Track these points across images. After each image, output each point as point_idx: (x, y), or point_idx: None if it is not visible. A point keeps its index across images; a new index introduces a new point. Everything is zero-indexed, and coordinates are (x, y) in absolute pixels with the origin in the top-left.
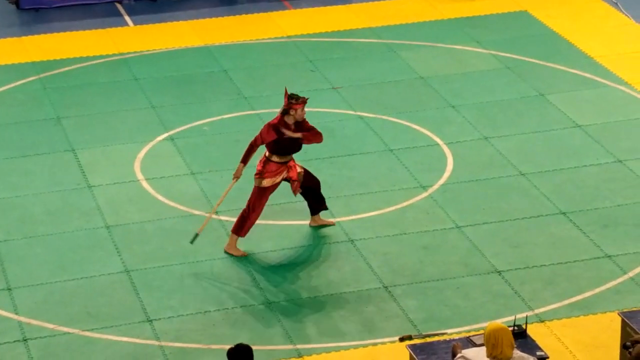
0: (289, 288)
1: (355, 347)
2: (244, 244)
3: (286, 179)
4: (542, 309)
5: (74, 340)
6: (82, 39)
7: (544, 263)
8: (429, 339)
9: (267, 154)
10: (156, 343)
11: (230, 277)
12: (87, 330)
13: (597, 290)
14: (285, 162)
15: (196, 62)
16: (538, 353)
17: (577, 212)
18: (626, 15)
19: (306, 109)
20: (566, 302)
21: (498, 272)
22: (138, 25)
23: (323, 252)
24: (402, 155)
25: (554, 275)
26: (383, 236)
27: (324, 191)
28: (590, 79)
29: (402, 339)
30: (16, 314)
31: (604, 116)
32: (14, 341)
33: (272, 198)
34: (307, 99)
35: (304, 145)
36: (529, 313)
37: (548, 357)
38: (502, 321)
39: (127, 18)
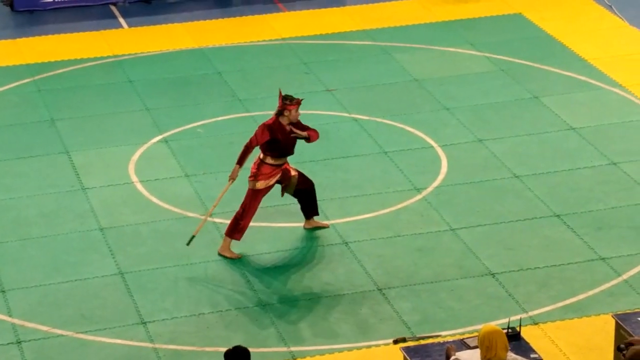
0: (283, 290)
1: (349, 349)
2: (238, 246)
3: (279, 182)
4: (536, 312)
5: (68, 342)
6: (77, 41)
7: (538, 265)
8: (423, 342)
9: (261, 155)
10: (150, 345)
11: (224, 279)
12: (81, 333)
13: (591, 292)
14: (280, 165)
15: (190, 65)
16: (532, 355)
17: (571, 214)
18: (620, 17)
19: (301, 111)
20: (560, 304)
21: (492, 274)
22: (132, 28)
23: (317, 254)
24: (397, 157)
25: (548, 278)
26: (377, 238)
27: (318, 193)
28: (584, 82)
29: (396, 342)
30: (10, 316)
31: (598, 119)
32: (8, 343)
33: (267, 200)
34: (301, 99)
35: (298, 148)
36: (523, 315)
37: None
38: (496, 323)
39: (121, 20)
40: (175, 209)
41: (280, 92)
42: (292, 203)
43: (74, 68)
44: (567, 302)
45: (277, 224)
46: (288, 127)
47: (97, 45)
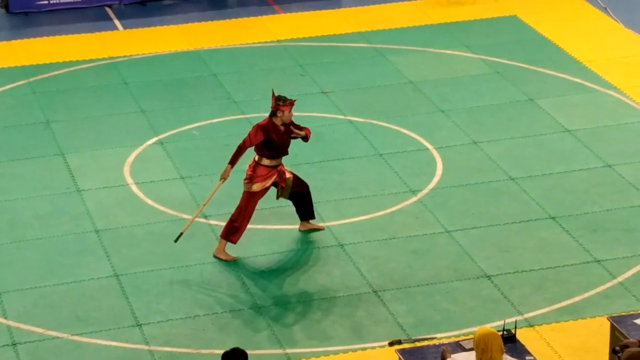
0: (278, 292)
1: (345, 351)
2: (233, 249)
3: (275, 184)
4: (531, 314)
5: (63, 344)
6: (72, 43)
7: (534, 268)
8: (418, 344)
9: (256, 158)
10: (145, 347)
11: (220, 281)
12: (77, 335)
13: (586, 294)
14: (275, 166)
15: (186, 66)
16: (527, 358)
17: (567, 216)
18: (615, 20)
19: (296, 113)
20: (555, 306)
21: (487, 276)
22: (128, 30)
23: (312, 257)
24: (392, 159)
25: (543, 280)
26: (372, 240)
27: (313, 195)
28: (579, 84)
29: (391, 344)
30: (5, 318)
31: (593, 121)
32: (3, 345)
33: (262, 202)
34: (294, 100)
35: (293, 150)
36: (518, 317)
37: None
38: (492, 326)
39: (116, 22)
40: (171, 211)
41: (273, 93)
42: (287, 205)
43: (69, 70)
44: (563, 304)
45: (273, 226)
46: (282, 128)
47: (92, 47)
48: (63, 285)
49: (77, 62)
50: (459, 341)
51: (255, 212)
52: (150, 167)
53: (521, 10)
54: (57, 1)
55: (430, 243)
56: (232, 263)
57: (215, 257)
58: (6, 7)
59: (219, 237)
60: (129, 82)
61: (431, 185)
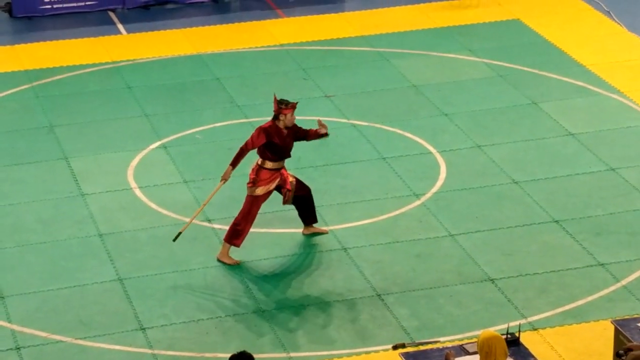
0: (281, 296)
1: (348, 355)
2: (237, 252)
3: (278, 188)
4: (535, 317)
5: (66, 348)
6: (75, 47)
7: (537, 271)
8: (422, 347)
9: (259, 161)
10: (149, 351)
11: (223, 285)
12: (80, 339)
13: (590, 298)
14: (278, 169)
15: (189, 71)
16: None
17: (570, 220)
18: (618, 23)
19: (299, 117)
20: (559, 310)
21: (491, 280)
22: (131, 34)
23: (316, 260)
24: (395, 163)
25: (546, 284)
26: (376, 244)
27: (316, 199)
28: (582, 87)
29: (395, 347)
30: (9, 322)
31: (596, 124)
32: (7, 349)
33: (265, 206)
34: (296, 103)
35: (297, 154)
36: (522, 321)
37: None
38: (495, 329)
39: (120, 26)
40: (174, 215)
41: (275, 97)
42: (291, 209)
43: (73, 74)
44: (566, 307)
45: (276, 230)
46: (285, 131)
47: (96, 51)
48: (67, 289)
49: (81, 67)
50: (462, 345)
51: (258, 216)
52: (154, 171)
53: (524, 13)
54: (61, 5)
55: (433, 247)
56: (235, 267)
57: (218, 260)
58: (9, 11)
59: (223, 241)
60: (132, 86)
61: (434, 189)
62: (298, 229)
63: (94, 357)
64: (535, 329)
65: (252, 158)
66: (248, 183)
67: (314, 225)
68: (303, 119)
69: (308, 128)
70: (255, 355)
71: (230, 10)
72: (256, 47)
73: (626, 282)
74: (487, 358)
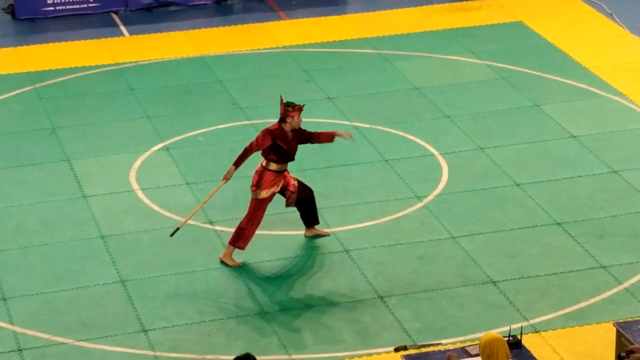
0: (284, 298)
1: (350, 357)
2: (239, 254)
3: (282, 190)
4: (537, 319)
5: (68, 350)
6: (78, 49)
7: (539, 273)
8: (424, 349)
9: (263, 162)
10: (151, 353)
11: (225, 287)
12: (82, 341)
13: (592, 300)
14: (282, 171)
15: (191, 72)
16: None
17: (572, 222)
18: (621, 26)
19: (302, 119)
20: (561, 312)
21: (493, 282)
22: (134, 36)
23: (318, 262)
24: (397, 165)
25: (549, 286)
26: (378, 246)
27: (319, 201)
28: (585, 90)
29: (397, 349)
30: (11, 324)
31: (598, 127)
32: (9, 351)
33: (267, 208)
34: (303, 106)
35: (299, 156)
36: (524, 323)
37: None
38: (497, 331)
39: (122, 28)
40: (177, 217)
41: (281, 99)
42: (293, 211)
43: (75, 76)
44: (568, 310)
45: (278, 232)
46: (290, 134)
47: (99, 53)
48: (69, 291)
49: (83, 68)
50: (464, 347)
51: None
52: (156, 173)
53: (526, 16)
54: (63, 7)
55: (435, 249)
56: (237, 269)
57: (221, 261)
58: (12, 13)
59: (227, 244)
60: (135, 88)
61: (437, 191)
62: (300, 231)
63: (95, 359)
64: (537, 331)
65: (255, 160)
66: (252, 186)
67: (316, 227)
68: (306, 120)
69: (312, 131)
70: (257, 357)
71: (233, 12)
72: (259, 49)
73: (628, 284)
74: None
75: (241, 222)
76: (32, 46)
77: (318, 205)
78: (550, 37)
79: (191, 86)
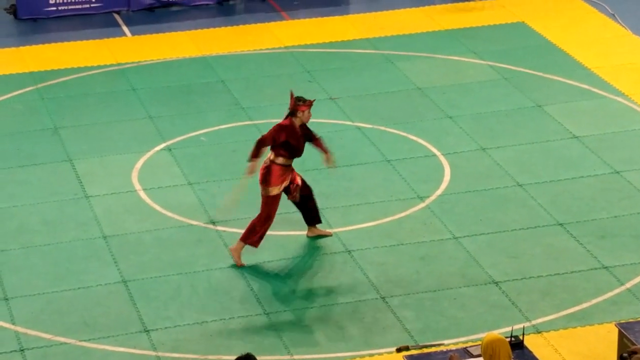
0: (286, 298)
1: (352, 357)
2: (244, 254)
3: (287, 187)
4: (539, 320)
5: (70, 350)
6: (80, 49)
7: (541, 274)
8: (426, 350)
9: (271, 156)
10: (153, 353)
11: (227, 287)
12: (84, 341)
13: (594, 301)
14: (289, 166)
15: (194, 73)
16: None
17: (574, 223)
18: (623, 26)
19: (311, 114)
20: (563, 313)
21: (495, 282)
22: (136, 36)
23: (320, 263)
24: (400, 165)
25: (551, 286)
26: (380, 247)
27: (321, 202)
28: (587, 90)
29: (399, 350)
30: (13, 324)
31: (601, 127)
32: (11, 351)
33: None
34: (313, 100)
35: (302, 156)
36: (526, 324)
37: None
38: (499, 332)
39: (124, 28)
40: (179, 217)
41: (292, 93)
42: (295, 212)
43: (78, 76)
44: (570, 310)
45: (281, 232)
46: (299, 130)
47: (101, 53)
48: (71, 291)
49: (86, 69)
50: (466, 347)
51: None
52: (158, 173)
53: (528, 16)
54: (66, 7)
55: (438, 249)
56: (240, 269)
57: (229, 252)
58: (15, 13)
59: (239, 240)
60: (137, 88)
61: (439, 192)
62: (302, 232)
63: (98, 359)
64: (539, 332)
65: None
66: (260, 183)
67: (318, 226)
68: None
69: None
70: (259, 358)
71: (235, 12)
72: (261, 50)
73: (630, 285)
74: None
75: (254, 220)
76: (34, 46)
77: (320, 205)
78: (552, 38)
79: (193, 86)
